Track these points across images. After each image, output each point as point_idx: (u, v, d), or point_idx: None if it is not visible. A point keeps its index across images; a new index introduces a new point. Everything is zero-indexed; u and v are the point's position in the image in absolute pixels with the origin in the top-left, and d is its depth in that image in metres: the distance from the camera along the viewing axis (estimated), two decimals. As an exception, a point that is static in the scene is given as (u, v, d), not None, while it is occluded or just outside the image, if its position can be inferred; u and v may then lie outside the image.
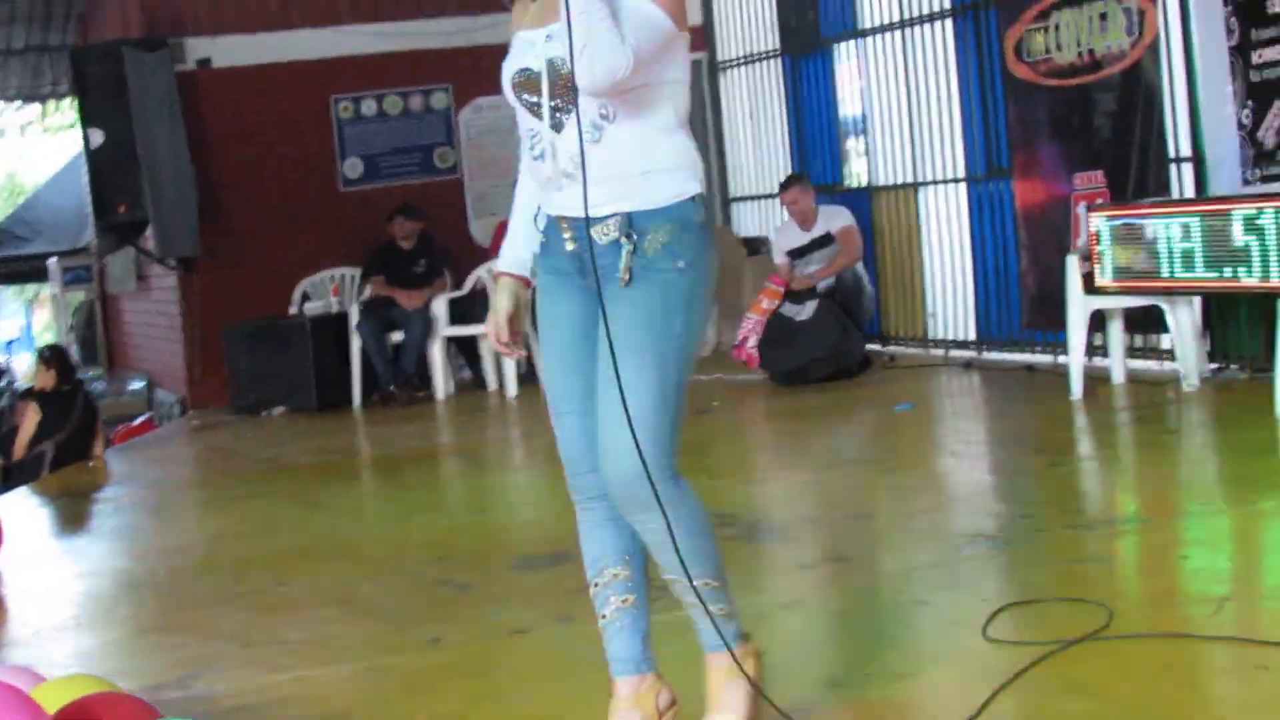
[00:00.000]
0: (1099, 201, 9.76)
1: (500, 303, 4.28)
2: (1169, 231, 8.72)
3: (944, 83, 12.31)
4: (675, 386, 3.97)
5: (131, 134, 13.43)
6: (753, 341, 11.64)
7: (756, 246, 13.84)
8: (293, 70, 14.36)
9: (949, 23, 12.17)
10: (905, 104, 12.79)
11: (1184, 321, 9.44)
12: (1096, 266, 9.19)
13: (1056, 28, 10.48)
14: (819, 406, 10.69)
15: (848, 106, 13.68)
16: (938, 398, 10.93)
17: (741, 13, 15.09)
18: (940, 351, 12.42)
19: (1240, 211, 8.25)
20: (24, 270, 20.61)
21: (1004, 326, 11.89)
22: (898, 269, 12.96)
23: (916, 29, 12.53)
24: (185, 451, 12.51)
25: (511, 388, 12.72)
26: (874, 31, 13.05)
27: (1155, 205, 9.07)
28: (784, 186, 12.37)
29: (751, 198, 15.29)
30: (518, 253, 4.29)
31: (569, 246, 4.07)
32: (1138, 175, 10.00)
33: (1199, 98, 9.63)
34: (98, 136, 13.73)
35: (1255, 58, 9.10)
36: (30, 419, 11.48)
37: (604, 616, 4.21)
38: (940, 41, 12.29)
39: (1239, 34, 9.18)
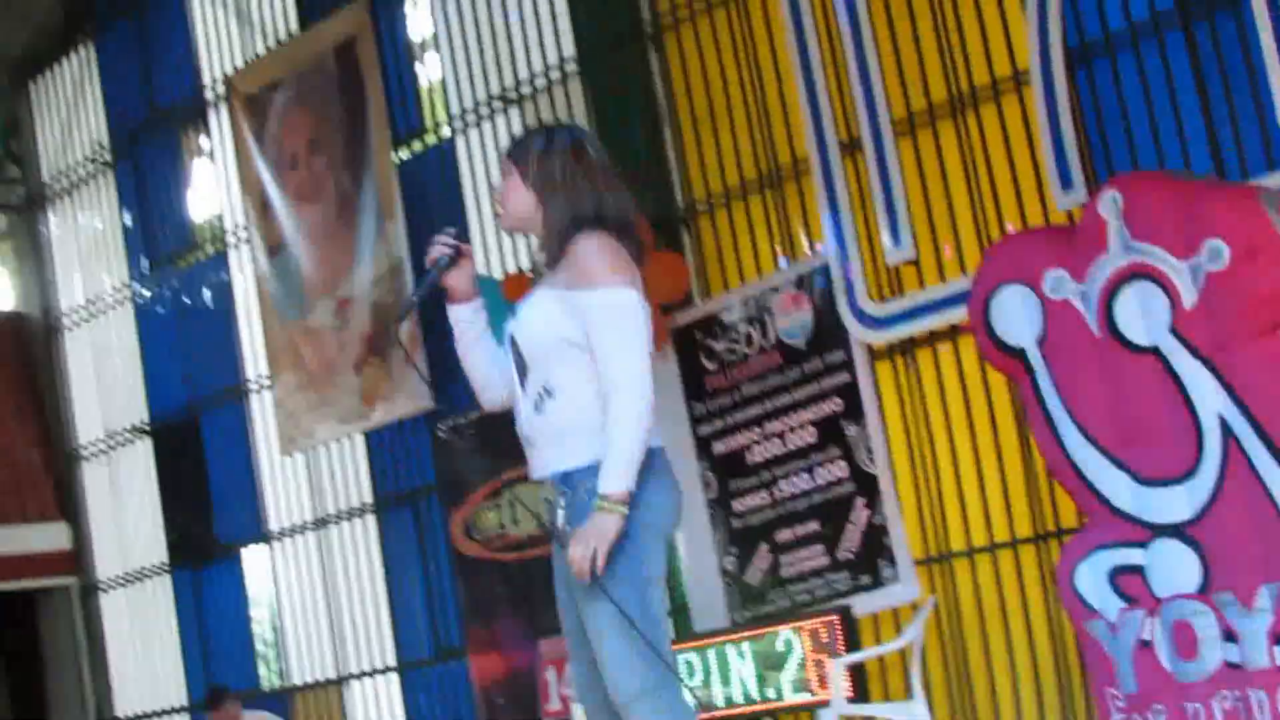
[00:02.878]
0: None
1: None
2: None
3: (369, 574, 12.61)
4: (631, 617, 4.18)
5: None
6: None
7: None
8: None
9: (371, 517, 12.58)
10: (324, 600, 12.96)
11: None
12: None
13: (511, 504, 11.04)
14: None
15: (259, 609, 13.74)
16: None
17: (121, 531, 14.91)
18: None
19: (733, 643, 9.19)
20: None
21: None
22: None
23: (334, 526, 12.83)
24: None
25: None
26: (286, 534, 13.27)
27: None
28: (212, 703, 11.83)
29: (140, 718, 14.80)
30: None
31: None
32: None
33: (679, 555, 10.32)
34: None
35: (736, 507, 9.97)
36: None
37: None
38: (362, 534, 12.64)
39: (717, 487, 10.06)
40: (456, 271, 4.44)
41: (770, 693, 9.07)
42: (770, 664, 9.08)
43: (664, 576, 4.32)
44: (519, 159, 4.45)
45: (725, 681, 9.26)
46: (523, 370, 4.36)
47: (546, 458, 4.33)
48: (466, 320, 4.49)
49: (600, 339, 4.21)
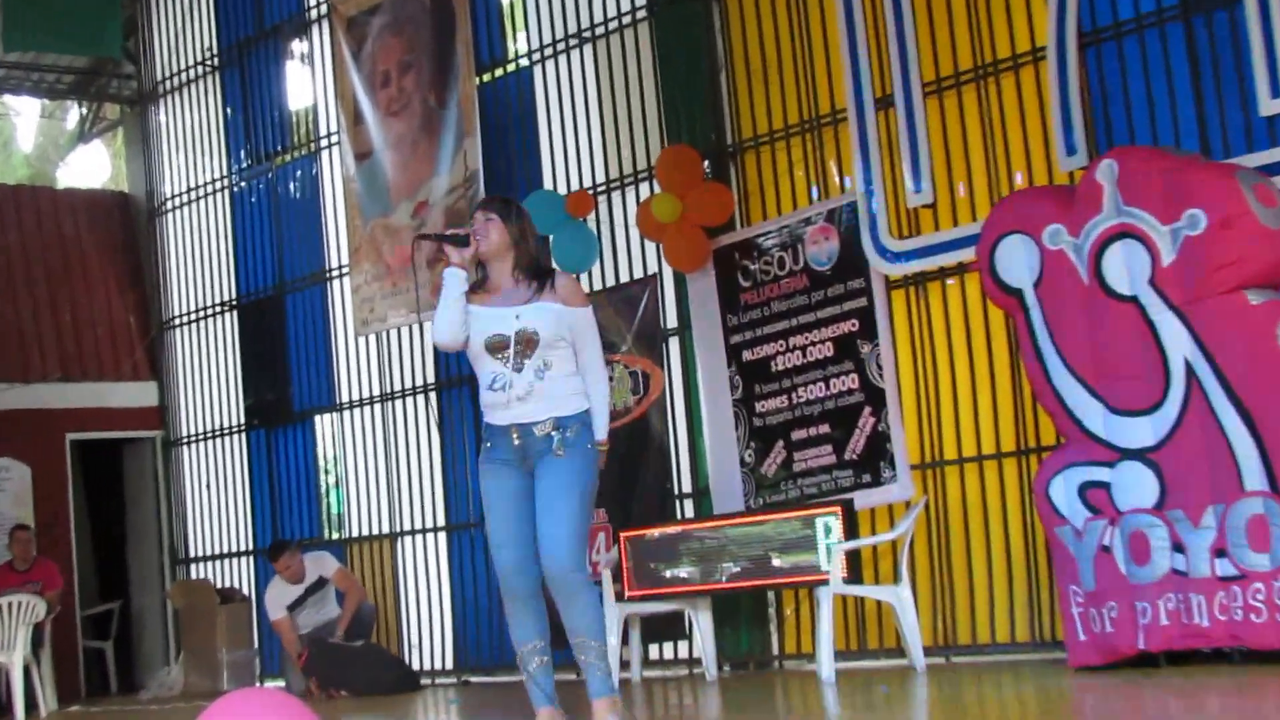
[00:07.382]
0: (600, 535, 10.69)
1: None
2: (690, 543, 9.62)
3: (426, 445, 12.87)
4: (587, 515, 5.90)
5: None
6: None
7: (229, 595, 13.83)
8: None
9: (432, 395, 12.79)
10: (383, 465, 13.22)
11: (705, 621, 9.89)
12: (628, 578, 9.77)
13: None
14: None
15: (325, 470, 14.09)
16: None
17: (203, 394, 15.20)
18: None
19: (747, 527, 9.41)
20: None
21: (484, 653, 12.22)
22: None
23: (398, 400, 13.08)
24: None
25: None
26: (355, 405, 13.52)
27: (685, 524, 9.91)
28: (275, 553, 12.07)
29: (210, 558, 15.06)
30: None
31: (515, 442, 5.90)
32: (642, 507, 10.88)
33: (703, 443, 10.61)
34: None
35: (759, 408, 10.30)
36: None
37: (529, 671, 5.90)
38: (421, 409, 12.86)
39: (743, 389, 10.35)
40: (462, 249, 5.96)
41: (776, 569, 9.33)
42: (779, 546, 9.26)
43: None
44: (500, 212, 6.04)
45: (734, 559, 9.45)
46: (524, 350, 5.86)
47: (543, 408, 5.89)
48: (453, 279, 5.91)
49: (584, 339, 6.01)
